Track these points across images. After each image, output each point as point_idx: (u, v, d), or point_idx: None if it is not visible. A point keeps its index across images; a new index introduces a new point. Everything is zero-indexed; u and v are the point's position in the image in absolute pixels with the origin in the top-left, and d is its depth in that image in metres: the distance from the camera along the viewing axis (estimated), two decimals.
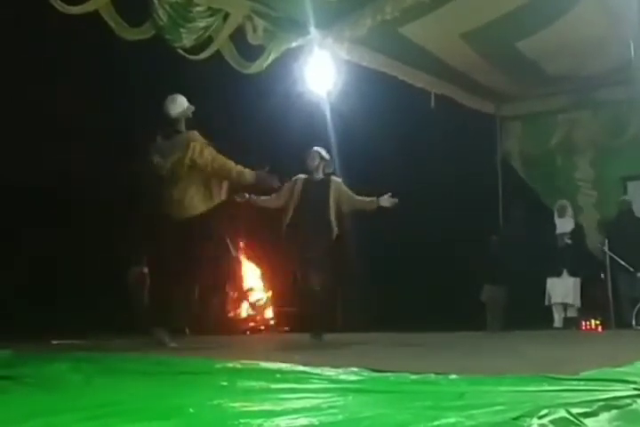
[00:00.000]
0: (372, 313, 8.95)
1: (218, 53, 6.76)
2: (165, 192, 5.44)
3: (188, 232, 5.31)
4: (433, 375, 2.92)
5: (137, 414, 2.13)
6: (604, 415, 2.10)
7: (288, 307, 8.69)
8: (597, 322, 8.70)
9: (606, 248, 8.77)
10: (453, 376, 2.87)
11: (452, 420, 1.98)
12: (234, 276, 9.09)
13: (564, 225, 9.27)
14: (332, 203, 6.27)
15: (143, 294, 7.38)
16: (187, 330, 6.59)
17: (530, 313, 8.83)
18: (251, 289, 9.31)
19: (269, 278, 9.22)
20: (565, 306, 9.07)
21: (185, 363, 3.64)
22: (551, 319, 9.08)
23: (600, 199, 10.11)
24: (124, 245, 7.33)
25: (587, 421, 2.01)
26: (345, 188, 6.41)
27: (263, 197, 6.22)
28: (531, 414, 1.97)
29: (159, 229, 5.38)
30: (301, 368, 3.23)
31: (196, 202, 5.41)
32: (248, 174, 5.50)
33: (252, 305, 9.14)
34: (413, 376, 2.92)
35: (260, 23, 6.96)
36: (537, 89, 9.82)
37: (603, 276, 8.80)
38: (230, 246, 8.52)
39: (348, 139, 7.84)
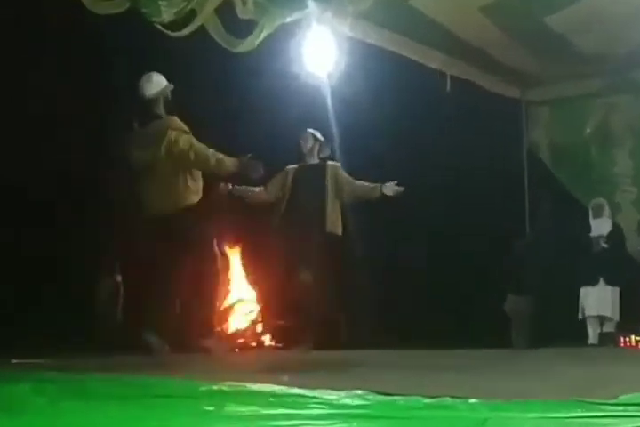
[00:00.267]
0: (378, 327, 8.96)
1: (202, 29, 6.75)
2: (139, 189, 5.46)
3: (166, 235, 5.32)
4: (449, 399, 2.92)
5: None
6: None
7: (283, 320, 8.69)
8: (638, 338, 8.71)
9: None
10: (473, 400, 2.87)
11: None
12: (220, 285, 9.08)
13: (601, 226, 9.27)
14: (330, 191, 6.29)
15: (116, 305, 7.39)
16: (166, 347, 6.59)
17: (560, 328, 8.83)
18: (240, 300, 9.31)
19: (261, 288, 9.22)
20: (602, 319, 9.07)
21: (164, 385, 3.65)
22: (585, 335, 9.09)
23: None
24: (94, 249, 7.34)
25: None
26: (343, 173, 6.44)
27: (250, 189, 6.20)
28: None
29: (133, 232, 5.39)
30: (298, 391, 3.24)
31: (172, 199, 5.43)
32: (229, 162, 5.51)
33: (242, 319, 9.14)
34: (427, 400, 2.92)
35: None
36: (568, 70, 9.81)
37: None
38: (215, 250, 8.51)
39: (351, 127, 7.84)
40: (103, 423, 2.52)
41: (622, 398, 2.80)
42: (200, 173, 5.56)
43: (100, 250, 7.32)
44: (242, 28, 7.02)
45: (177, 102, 5.71)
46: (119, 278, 7.89)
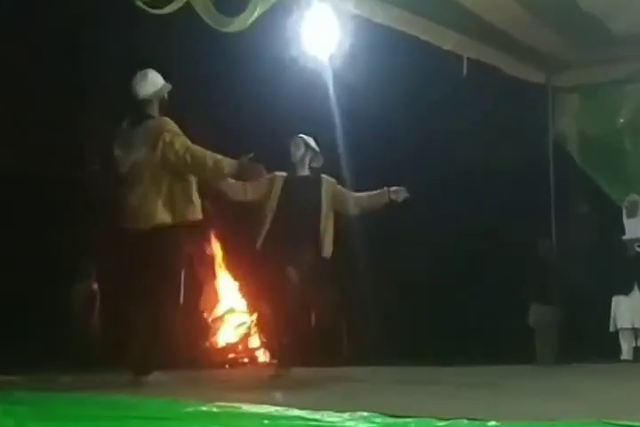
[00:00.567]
0: (386, 343, 8.98)
1: (188, 6, 6.75)
2: (122, 196, 5.46)
3: (149, 243, 5.33)
4: (466, 421, 2.93)
5: None
6: None
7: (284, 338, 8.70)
8: None
9: None
10: (492, 423, 2.87)
11: None
12: (208, 295, 9.12)
13: (636, 227, 9.27)
14: (325, 207, 6.26)
15: (91, 316, 7.40)
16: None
17: (590, 341, 8.84)
18: (230, 311, 9.32)
19: (253, 297, 9.24)
20: (636, 332, 9.08)
21: (146, 405, 3.65)
22: (618, 349, 9.09)
23: None
24: (69, 255, 7.36)
25: None
26: (341, 188, 6.41)
27: (232, 181, 6.16)
28: None
29: (114, 240, 5.41)
30: (296, 413, 3.25)
31: (159, 211, 5.42)
32: (227, 164, 5.52)
33: (233, 332, 9.16)
34: (440, 423, 2.93)
35: None
36: (599, 53, 9.79)
37: None
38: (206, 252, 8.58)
39: (356, 116, 7.86)
40: None
41: None
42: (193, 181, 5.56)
43: (78, 256, 7.34)
44: (232, 6, 7.00)
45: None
46: (95, 286, 7.92)
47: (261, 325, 9.05)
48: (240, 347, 9.13)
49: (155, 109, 5.60)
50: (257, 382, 6.51)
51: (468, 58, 9.06)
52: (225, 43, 7.34)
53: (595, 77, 10.34)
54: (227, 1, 6.97)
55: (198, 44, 7.82)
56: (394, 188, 6.36)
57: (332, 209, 6.31)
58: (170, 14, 6.63)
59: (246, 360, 8.99)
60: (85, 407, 3.60)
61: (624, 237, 9.23)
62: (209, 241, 9.43)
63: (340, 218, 6.59)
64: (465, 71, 8.98)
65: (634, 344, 9.07)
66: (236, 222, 7.25)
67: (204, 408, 3.48)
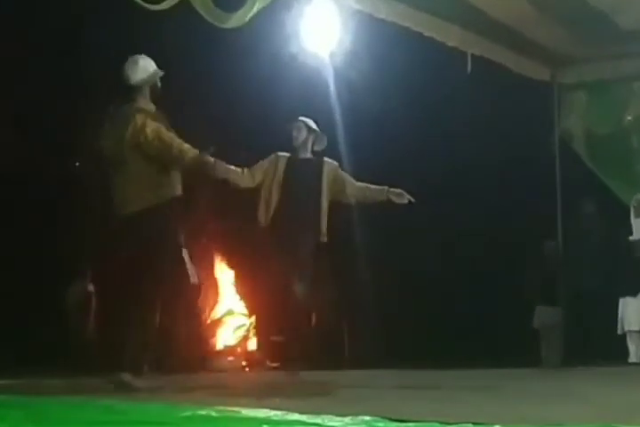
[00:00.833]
0: (387, 345, 8.97)
1: (185, 2, 6.74)
2: (108, 182, 5.49)
3: (140, 236, 5.33)
4: (470, 426, 2.91)
5: None
6: None
7: (278, 336, 8.68)
8: None
9: None
10: None
11: None
12: (206, 295, 9.09)
13: None
14: (326, 192, 6.28)
15: (87, 319, 7.39)
16: (145, 367, 6.59)
17: (597, 344, 8.83)
18: (229, 313, 9.31)
19: (252, 298, 9.22)
20: None
21: (143, 410, 3.64)
22: (625, 352, 9.08)
23: None
24: (64, 254, 7.35)
25: None
26: (343, 173, 6.43)
27: (232, 168, 6.17)
28: None
29: (106, 234, 5.40)
30: (296, 417, 3.24)
31: (142, 193, 5.44)
32: (191, 154, 5.50)
33: (231, 334, 9.15)
34: None
35: None
36: (606, 49, 9.78)
37: None
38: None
39: (357, 114, 7.85)
40: None
41: None
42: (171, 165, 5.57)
43: (73, 256, 7.34)
44: (231, 1, 7.00)
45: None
46: (91, 288, 7.91)
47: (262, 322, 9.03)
48: (239, 350, 9.12)
49: (146, 95, 5.61)
50: (256, 385, 6.51)
51: (472, 54, 9.06)
52: (224, 39, 7.33)
53: (601, 74, 10.33)
54: None
55: (196, 40, 7.81)
56: (395, 189, 6.36)
57: (330, 193, 6.33)
58: (167, 10, 6.62)
59: (244, 364, 8.98)
60: (80, 412, 3.59)
61: (631, 238, 9.22)
62: (206, 232, 9.39)
63: (340, 218, 6.60)
64: (469, 68, 8.97)
65: None
66: (234, 209, 7.22)
67: (202, 412, 3.46)
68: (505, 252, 9.42)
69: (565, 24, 9.03)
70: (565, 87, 10.72)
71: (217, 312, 9.32)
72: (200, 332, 9.02)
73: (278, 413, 3.38)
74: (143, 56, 5.67)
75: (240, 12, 7.07)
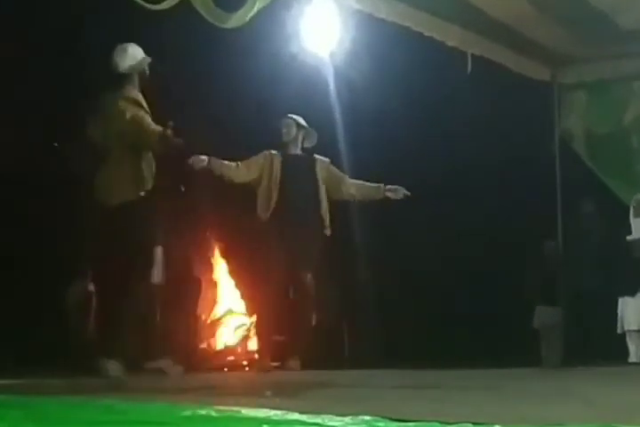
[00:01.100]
0: (387, 345, 8.96)
1: (186, 2, 6.74)
2: (96, 173, 5.52)
3: (115, 230, 5.35)
4: (470, 426, 2.91)
5: None
6: None
7: (279, 335, 8.68)
8: None
9: None
10: None
11: None
12: (205, 294, 9.08)
13: None
14: (321, 188, 6.28)
15: (88, 319, 7.38)
16: (144, 366, 6.60)
17: (597, 343, 8.83)
18: (229, 312, 9.30)
19: (252, 296, 9.21)
20: None
21: (143, 410, 3.63)
22: (625, 352, 9.08)
23: None
24: (63, 252, 7.34)
25: None
26: (335, 169, 6.43)
27: (227, 163, 6.18)
28: None
29: (97, 229, 5.42)
30: (296, 416, 3.23)
31: (122, 186, 5.44)
32: (155, 131, 5.49)
33: (231, 334, 9.13)
34: None
35: None
36: (606, 48, 9.78)
37: None
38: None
39: (357, 113, 7.84)
40: None
41: None
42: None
43: (72, 254, 7.32)
44: (232, 0, 7.00)
45: (154, 79, 5.72)
46: (92, 288, 7.89)
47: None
48: (239, 349, 9.11)
49: (134, 83, 5.61)
50: (256, 385, 6.50)
51: (472, 54, 9.05)
52: (224, 39, 7.32)
53: (602, 74, 10.33)
54: None
55: (196, 40, 7.80)
56: (391, 186, 6.37)
57: (327, 189, 6.33)
58: (167, 10, 6.61)
59: (245, 363, 8.96)
60: (80, 412, 3.59)
61: (630, 237, 9.22)
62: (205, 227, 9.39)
63: (339, 217, 6.60)
64: (469, 68, 8.97)
65: None
66: (233, 207, 7.22)
67: (202, 412, 3.46)
68: (505, 252, 9.41)
69: (565, 24, 9.02)
70: (565, 87, 10.72)
71: (217, 312, 9.31)
72: (198, 331, 9.01)
73: (278, 412, 3.37)
74: (131, 44, 5.68)
75: (240, 12, 7.06)
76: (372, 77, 8.23)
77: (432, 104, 9.20)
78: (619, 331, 9.11)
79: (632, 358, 9.03)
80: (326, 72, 7.76)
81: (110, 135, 5.47)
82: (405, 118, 9.01)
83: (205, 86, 8.27)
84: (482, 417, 3.07)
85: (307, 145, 6.46)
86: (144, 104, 5.57)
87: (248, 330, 9.17)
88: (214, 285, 9.37)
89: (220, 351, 9.06)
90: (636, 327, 9.03)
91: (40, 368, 6.62)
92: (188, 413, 3.45)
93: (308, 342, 6.44)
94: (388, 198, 6.44)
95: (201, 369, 8.15)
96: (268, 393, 4.19)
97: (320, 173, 6.30)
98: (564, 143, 10.72)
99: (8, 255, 7.58)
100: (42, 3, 7.38)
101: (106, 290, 5.59)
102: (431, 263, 9.59)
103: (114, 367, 5.31)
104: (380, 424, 3.07)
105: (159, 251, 5.58)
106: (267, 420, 3.20)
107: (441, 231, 9.64)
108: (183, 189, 5.51)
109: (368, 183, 6.48)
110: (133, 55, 5.65)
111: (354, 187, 6.46)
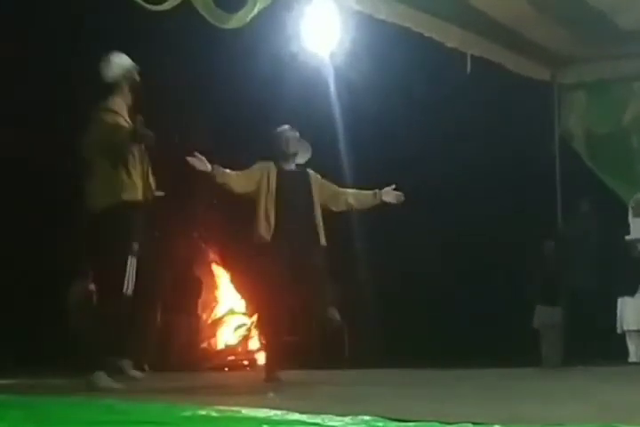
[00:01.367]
0: (387, 345, 8.96)
1: (187, 3, 6.73)
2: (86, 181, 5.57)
3: (95, 237, 5.39)
4: (470, 426, 2.90)
5: None
6: None
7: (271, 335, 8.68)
8: None
9: None
10: None
11: None
12: (207, 294, 9.09)
13: None
14: (318, 204, 6.26)
15: (89, 318, 7.36)
16: (145, 366, 6.58)
17: (597, 343, 8.82)
18: (230, 312, 9.30)
19: (253, 297, 9.21)
20: None
21: (143, 410, 3.63)
22: (625, 351, 9.07)
23: None
24: (64, 252, 7.33)
25: None
26: (327, 182, 6.40)
27: (227, 171, 6.15)
28: None
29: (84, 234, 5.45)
30: (296, 417, 3.23)
31: (104, 194, 5.47)
32: (122, 129, 5.50)
33: (232, 334, 9.14)
34: None
35: None
36: (606, 49, 9.77)
37: None
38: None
39: (357, 114, 7.83)
40: None
41: None
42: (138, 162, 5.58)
43: (73, 254, 7.32)
44: (232, 1, 7.00)
45: (153, 82, 5.71)
46: (92, 287, 7.88)
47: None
48: (240, 349, 9.11)
49: (122, 92, 5.60)
50: (256, 385, 6.50)
51: (472, 55, 9.05)
52: (224, 39, 7.32)
53: (601, 74, 10.32)
54: None
55: (197, 40, 7.80)
56: (386, 189, 6.34)
57: (321, 201, 6.31)
58: (168, 10, 6.61)
59: (246, 363, 8.97)
60: (80, 411, 3.58)
61: (629, 237, 9.21)
62: (203, 237, 9.42)
63: (340, 218, 6.58)
64: (469, 68, 8.96)
65: None
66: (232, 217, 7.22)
67: (202, 412, 3.46)
68: (505, 252, 9.40)
69: (565, 24, 9.02)
70: (565, 87, 10.71)
71: (218, 312, 9.32)
72: (199, 331, 9.02)
73: (278, 412, 3.37)
74: (119, 53, 5.68)
75: (241, 13, 7.06)
76: (373, 78, 8.23)
77: (432, 104, 9.20)
78: (618, 331, 9.10)
79: (632, 358, 9.02)
80: (326, 72, 7.76)
81: (89, 146, 5.50)
82: (405, 118, 9.02)
83: (206, 86, 8.26)
84: (482, 417, 3.06)
85: (300, 161, 6.40)
86: (123, 112, 5.56)
87: (248, 330, 9.18)
88: (215, 287, 9.39)
89: (221, 351, 9.06)
90: (634, 327, 9.02)
91: (40, 368, 6.62)
92: (188, 413, 3.44)
93: (307, 343, 6.44)
94: (383, 202, 6.41)
95: (201, 369, 8.17)
96: (271, 395, 4.17)
97: (315, 187, 6.27)
98: (563, 143, 10.72)
99: (8, 255, 7.58)
100: (42, 3, 7.38)
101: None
102: (431, 264, 9.59)
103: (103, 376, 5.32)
104: (379, 424, 3.06)
105: (133, 262, 5.54)
106: (267, 420, 3.20)
107: (441, 232, 9.65)
108: (215, 202, 5.48)
109: (363, 191, 6.45)
110: (118, 64, 5.64)
111: (350, 196, 6.42)
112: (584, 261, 9.39)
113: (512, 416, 3.20)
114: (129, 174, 5.50)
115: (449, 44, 8.82)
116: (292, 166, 6.35)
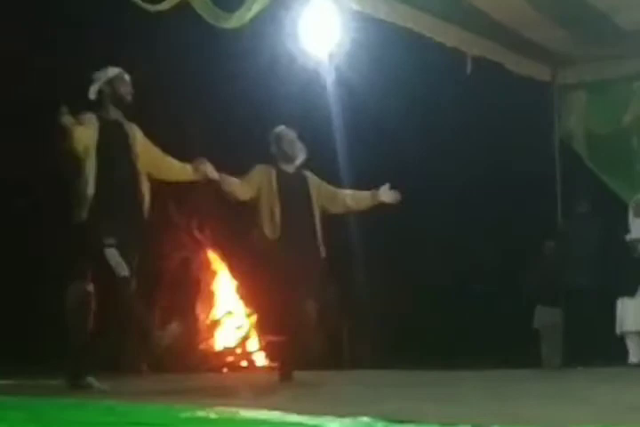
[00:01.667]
0: (388, 346, 8.96)
1: (185, 3, 6.74)
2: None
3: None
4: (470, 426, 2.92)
5: None
6: None
7: (278, 336, 8.67)
8: None
9: None
10: None
11: None
12: (205, 295, 9.09)
13: None
14: (317, 206, 6.27)
15: (87, 319, 7.36)
16: (144, 367, 6.59)
17: (597, 344, 8.82)
18: (228, 313, 9.30)
19: (252, 297, 9.21)
20: None
21: (141, 411, 3.64)
22: (625, 353, 9.07)
23: None
24: (61, 252, 7.33)
25: None
26: (325, 184, 6.40)
27: (232, 179, 6.15)
28: None
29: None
30: (296, 418, 3.23)
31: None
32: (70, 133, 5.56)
33: (230, 335, 9.14)
34: None
35: None
36: (606, 49, 9.77)
37: None
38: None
39: (357, 116, 7.83)
40: None
41: None
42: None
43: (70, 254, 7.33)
44: (230, 1, 7.00)
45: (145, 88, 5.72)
46: (91, 288, 7.88)
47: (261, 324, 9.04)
48: (238, 350, 9.11)
49: (103, 104, 5.62)
50: (255, 386, 6.51)
51: (472, 55, 9.04)
52: (223, 40, 7.32)
53: (602, 74, 10.32)
54: None
55: (195, 41, 7.80)
56: (382, 188, 6.34)
57: (319, 203, 6.31)
58: (167, 10, 6.61)
59: (244, 364, 8.97)
60: (80, 413, 3.59)
61: (629, 238, 9.21)
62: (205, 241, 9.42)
63: (340, 218, 6.59)
64: (469, 69, 8.97)
65: None
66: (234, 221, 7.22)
67: (201, 414, 3.46)
68: (505, 252, 9.41)
69: (565, 24, 9.02)
70: (565, 87, 10.71)
71: (216, 313, 9.31)
72: (198, 332, 9.02)
73: (277, 414, 3.37)
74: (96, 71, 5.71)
75: (239, 13, 7.07)
76: (372, 78, 8.23)
77: (432, 105, 9.21)
78: (617, 332, 9.10)
79: (632, 359, 9.01)
80: (326, 73, 7.76)
81: (74, 149, 5.56)
82: (405, 119, 9.02)
83: (204, 87, 8.26)
84: (482, 417, 3.06)
85: (296, 162, 6.40)
86: (86, 123, 5.59)
87: (247, 331, 9.18)
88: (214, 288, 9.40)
89: (219, 352, 9.06)
90: (633, 329, 9.01)
91: (40, 368, 6.63)
92: (186, 414, 3.45)
93: (307, 344, 6.44)
94: (381, 203, 6.41)
95: (200, 370, 8.17)
96: (276, 401, 4.16)
97: (313, 191, 6.26)
98: (563, 143, 10.72)
99: (8, 255, 7.59)
100: (42, 3, 7.39)
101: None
102: (431, 264, 9.60)
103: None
104: (379, 425, 3.07)
105: (113, 252, 5.58)
106: (266, 421, 3.20)
107: (441, 231, 9.65)
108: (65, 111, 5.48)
109: (361, 192, 6.45)
110: (98, 78, 5.67)
111: (348, 197, 6.42)
112: (584, 262, 9.39)
113: (512, 417, 3.20)
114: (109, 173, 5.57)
115: (449, 44, 8.81)
116: (290, 168, 6.35)
